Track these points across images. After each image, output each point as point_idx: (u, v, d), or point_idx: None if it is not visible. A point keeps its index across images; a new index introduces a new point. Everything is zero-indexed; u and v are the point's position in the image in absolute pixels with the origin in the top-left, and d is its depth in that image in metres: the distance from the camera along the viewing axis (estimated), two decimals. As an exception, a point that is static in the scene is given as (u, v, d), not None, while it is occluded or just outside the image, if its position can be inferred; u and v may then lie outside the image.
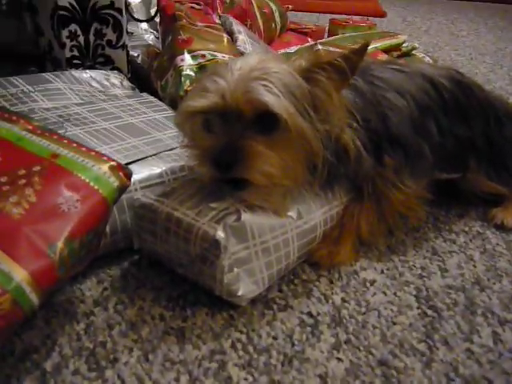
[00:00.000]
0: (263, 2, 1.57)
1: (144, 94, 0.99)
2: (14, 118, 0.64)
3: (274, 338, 0.60)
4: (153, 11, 1.43)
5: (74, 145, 0.61)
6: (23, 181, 0.55)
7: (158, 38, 1.40)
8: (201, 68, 1.05)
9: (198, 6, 1.30)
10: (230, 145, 0.60)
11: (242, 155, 0.59)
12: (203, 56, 1.07)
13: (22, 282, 0.49)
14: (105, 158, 0.60)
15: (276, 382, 0.54)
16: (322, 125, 0.63)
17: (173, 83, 1.05)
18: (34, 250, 0.51)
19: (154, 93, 1.05)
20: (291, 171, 0.63)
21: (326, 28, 1.85)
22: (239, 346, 0.58)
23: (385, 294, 0.68)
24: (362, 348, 0.59)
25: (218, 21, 1.27)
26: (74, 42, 1.05)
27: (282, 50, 1.42)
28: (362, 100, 0.70)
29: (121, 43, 1.09)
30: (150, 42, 1.39)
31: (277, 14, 1.60)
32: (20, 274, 0.49)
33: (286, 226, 0.65)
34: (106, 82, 0.99)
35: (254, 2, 1.52)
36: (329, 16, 2.17)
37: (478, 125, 0.82)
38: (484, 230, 0.84)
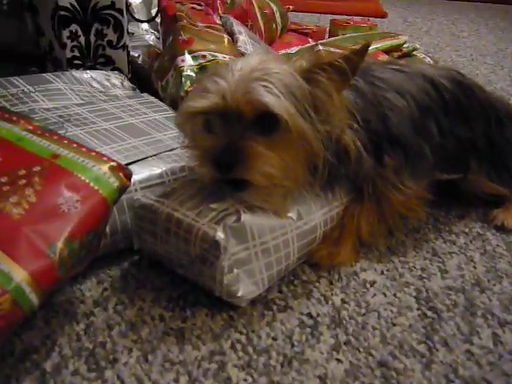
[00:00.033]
0: (264, 3, 1.57)
1: (144, 95, 0.99)
2: (15, 118, 0.64)
3: (274, 339, 0.60)
4: (154, 12, 1.43)
5: (74, 145, 0.61)
6: (23, 181, 0.55)
7: (158, 38, 1.40)
8: (201, 68, 1.05)
9: (198, 7, 1.30)
10: (231, 145, 0.60)
11: (243, 156, 0.59)
12: (204, 56, 1.07)
13: (22, 283, 0.49)
14: (105, 159, 0.60)
15: (275, 382, 0.54)
16: (322, 125, 0.63)
17: (173, 84, 1.05)
18: (34, 250, 0.51)
19: (154, 93, 1.05)
20: (291, 172, 0.63)
21: (327, 29, 1.85)
22: (239, 346, 0.58)
23: (385, 295, 0.68)
24: (361, 349, 0.59)
25: (218, 21, 1.27)
26: (75, 43, 1.05)
27: (283, 51, 1.42)
28: (362, 100, 0.70)
29: (121, 44, 1.09)
30: (151, 43, 1.39)
31: (278, 15, 1.60)
32: (20, 275, 0.49)
33: (286, 226, 0.65)
34: (106, 83, 0.99)
35: (254, 3, 1.52)
36: (329, 17, 2.17)
37: (479, 126, 0.82)
38: (484, 231, 0.84)
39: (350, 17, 2.06)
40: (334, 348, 0.59)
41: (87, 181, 0.57)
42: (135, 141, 0.78)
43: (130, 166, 0.68)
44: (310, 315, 0.64)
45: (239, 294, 0.61)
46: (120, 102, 0.90)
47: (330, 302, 0.66)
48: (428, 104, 0.77)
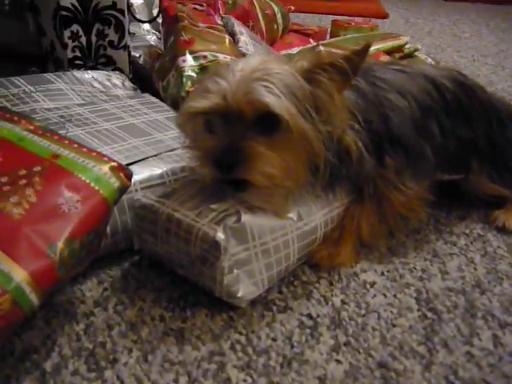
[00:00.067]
0: (265, 3, 1.57)
1: (146, 95, 0.99)
2: (16, 118, 0.64)
3: (274, 340, 0.60)
4: (155, 12, 1.44)
5: (75, 145, 0.61)
6: (24, 181, 0.55)
7: (160, 38, 1.40)
8: (202, 69, 1.05)
9: (200, 7, 1.30)
10: (232, 146, 0.60)
11: (243, 156, 0.59)
12: (205, 57, 1.07)
13: (22, 283, 0.49)
14: (105, 159, 0.60)
15: (275, 383, 0.54)
16: (323, 126, 0.63)
17: (174, 84, 1.05)
18: (34, 250, 0.51)
19: (155, 93, 1.05)
20: (292, 172, 0.63)
21: (328, 29, 1.85)
22: (238, 347, 0.58)
23: (385, 296, 0.68)
24: (361, 350, 0.59)
25: (220, 22, 1.27)
26: (76, 43, 1.05)
27: (284, 51, 1.42)
28: (363, 101, 0.70)
29: (123, 44, 1.10)
30: (152, 43, 1.39)
31: (279, 15, 1.60)
32: (20, 274, 0.49)
33: (286, 227, 0.65)
34: (107, 83, 1.00)
35: (256, 3, 1.52)
36: (331, 17, 2.17)
37: (481, 126, 0.82)
38: (485, 233, 0.84)
39: (352, 17, 2.06)
40: (333, 349, 0.59)
41: (88, 181, 0.57)
42: (136, 141, 0.79)
43: (131, 167, 0.68)
44: (309, 316, 0.64)
45: (239, 295, 0.61)
46: (121, 102, 0.91)
47: (330, 303, 0.66)
48: (429, 104, 0.76)
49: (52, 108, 0.83)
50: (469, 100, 0.81)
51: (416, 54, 1.51)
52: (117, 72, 1.07)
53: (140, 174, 0.72)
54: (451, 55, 2.02)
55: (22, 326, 0.54)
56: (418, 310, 0.66)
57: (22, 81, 0.88)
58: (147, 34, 1.45)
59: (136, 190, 0.70)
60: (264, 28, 1.53)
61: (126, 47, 1.11)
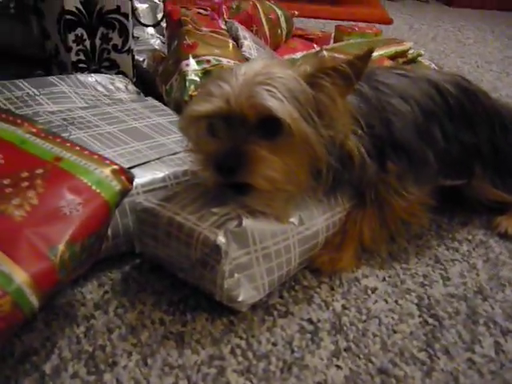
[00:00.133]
0: (269, 8, 1.58)
1: (149, 99, 1.00)
2: (19, 120, 0.64)
3: (274, 345, 0.59)
4: (159, 16, 1.44)
5: (77, 148, 0.61)
6: (26, 183, 0.55)
7: (164, 42, 1.41)
8: (206, 73, 1.05)
9: (204, 12, 1.30)
10: (234, 149, 0.60)
11: (246, 160, 0.59)
12: (208, 61, 1.07)
13: (23, 284, 0.49)
14: (107, 162, 0.60)
15: (275, 388, 0.54)
16: (326, 130, 0.63)
17: (177, 88, 1.06)
18: (35, 252, 0.51)
19: (158, 97, 1.06)
20: (294, 176, 0.63)
21: (332, 34, 1.85)
22: (238, 351, 0.58)
23: (386, 301, 0.68)
24: (361, 356, 0.59)
25: (223, 26, 1.28)
26: (80, 46, 1.05)
27: (288, 56, 1.43)
28: (366, 105, 0.70)
29: (126, 48, 1.10)
30: (156, 47, 1.40)
31: (283, 20, 1.60)
32: (20, 276, 0.49)
33: (287, 231, 0.65)
34: (111, 86, 1.00)
35: (260, 8, 1.52)
36: (335, 22, 2.17)
37: (484, 131, 0.82)
38: (487, 239, 0.83)
39: (355, 23, 2.06)
40: (334, 354, 0.59)
41: (89, 184, 0.57)
42: (138, 144, 0.79)
43: (133, 170, 0.68)
44: (310, 321, 0.63)
45: (240, 299, 0.61)
46: (124, 106, 0.91)
47: (331, 308, 0.66)
48: (432, 109, 0.76)
49: (55, 111, 0.83)
50: (472, 105, 0.81)
51: (419, 59, 1.51)
52: (120, 76, 1.08)
53: (142, 177, 0.72)
54: (455, 61, 2.02)
55: (22, 327, 0.54)
56: (419, 316, 0.65)
57: (26, 84, 0.88)
58: (151, 38, 1.45)
59: (138, 194, 0.70)
60: (268, 33, 1.53)
61: (129, 51, 1.11)
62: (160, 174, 0.74)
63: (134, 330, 0.60)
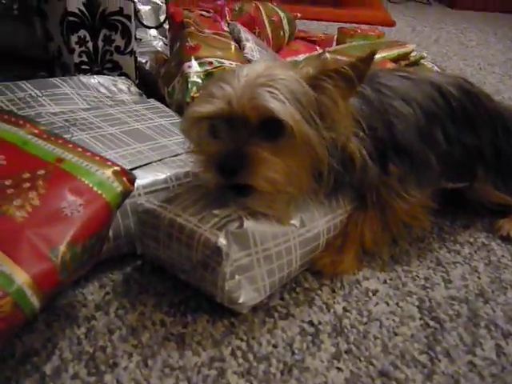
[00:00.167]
0: (272, 10, 1.58)
1: (151, 100, 1.00)
2: (21, 121, 0.64)
3: (274, 347, 0.59)
4: (162, 18, 1.45)
5: (79, 149, 0.61)
6: (27, 184, 0.55)
7: (167, 44, 1.41)
8: (208, 75, 1.06)
9: (207, 14, 1.31)
10: (236, 151, 0.60)
11: (247, 161, 0.59)
12: (210, 63, 1.08)
13: (24, 285, 0.49)
14: (109, 163, 0.60)
15: (275, 390, 0.54)
16: (327, 132, 0.63)
17: (180, 90, 1.06)
18: (36, 253, 0.51)
19: (161, 99, 1.06)
20: (296, 178, 0.63)
21: (335, 37, 1.86)
22: (239, 353, 0.58)
23: (387, 304, 0.68)
24: (362, 358, 0.59)
25: (226, 28, 1.28)
26: (83, 48, 1.06)
27: (290, 58, 1.43)
28: (368, 108, 0.70)
29: (129, 49, 1.10)
30: (159, 49, 1.40)
31: (285, 22, 1.60)
32: (21, 277, 0.49)
33: (288, 233, 0.65)
34: (113, 88, 1.00)
35: (262, 10, 1.53)
36: (337, 25, 2.17)
37: (486, 134, 0.82)
38: (489, 242, 0.83)
39: (358, 25, 2.06)
40: (334, 356, 0.59)
41: (91, 185, 0.57)
42: (140, 146, 0.79)
43: (135, 171, 0.68)
44: (311, 323, 0.63)
45: (240, 301, 0.61)
46: (126, 107, 0.91)
47: (332, 310, 0.66)
48: (435, 111, 0.76)
49: (57, 112, 0.83)
50: (474, 107, 0.81)
51: (422, 61, 1.51)
52: (123, 77, 1.08)
53: (144, 178, 0.72)
54: (457, 63, 2.02)
55: (22, 328, 0.54)
56: (421, 319, 0.65)
57: (29, 85, 0.89)
58: (154, 40, 1.46)
59: (139, 195, 0.70)
60: (270, 35, 1.53)
61: (132, 53, 1.11)
62: (162, 176, 0.74)
63: (135, 332, 0.60)
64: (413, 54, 1.51)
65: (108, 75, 1.07)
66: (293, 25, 1.66)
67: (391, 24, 2.74)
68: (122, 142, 0.79)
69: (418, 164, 0.74)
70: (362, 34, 1.75)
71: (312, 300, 0.67)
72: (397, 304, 0.68)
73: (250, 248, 0.61)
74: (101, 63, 1.09)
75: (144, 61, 1.28)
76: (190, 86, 1.04)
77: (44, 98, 0.86)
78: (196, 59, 1.08)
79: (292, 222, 0.66)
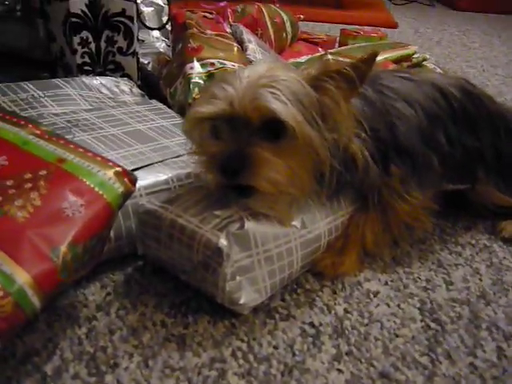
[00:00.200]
0: (275, 12, 1.58)
1: (153, 101, 1.00)
2: (23, 122, 0.65)
3: (275, 348, 0.59)
4: (165, 19, 1.45)
5: (81, 150, 0.61)
6: (29, 184, 0.55)
7: (169, 45, 1.41)
8: (210, 76, 1.06)
9: (209, 15, 1.31)
10: (237, 152, 0.60)
11: (249, 162, 0.59)
12: (212, 64, 1.08)
13: (25, 285, 0.49)
14: (110, 164, 0.60)
15: (275, 391, 0.54)
16: (329, 133, 0.63)
17: (182, 91, 1.06)
18: (38, 253, 0.51)
19: (163, 100, 1.06)
20: (298, 179, 0.63)
21: (337, 38, 1.85)
22: (239, 354, 0.58)
23: (388, 305, 0.67)
24: (363, 360, 0.58)
25: (228, 30, 1.28)
26: (86, 49, 1.06)
27: (293, 60, 1.43)
28: (370, 109, 0.70)
29: (131, 50, 1.11)
30: (162, 50, 1.40)
31: (288, 24, 1.60)
32: (22, 277, 0.49)
33: (289, 234, 0.65)
34: (115, 89, 1.00)
35: (265, 12, 1.53)
36: (340, 26, 2.17)
37: (487, 136, 0.82)
38: (491, 243, 0.83)
39: (361, 27, 2.06)
40: (335, 358, 0.58)
41: (92, 185, 0.57)
42: (142, 147, 0.79)
43: (136, 172, 0.68)
44: (312, 324, 0.63)
45: (241, 302, 0.61)
46: (128, 108, 0.91)
47: (333, 312, 0.66)
48: (436, 113, 0.76)
49: (59, 113, 0.83)
50: (476, 109, 0.81)
51: (424, 63, 1.51)
52: (125, 78, 1.08)
53: (145, 179, 0.72)
54: (460, 65, 2.02)
55: (24, 328, 0.54)
56: (422, 321, 0.65)
57: (31, 86, 0.89)
58: (156, 41, 1.46)
59: (141, 196, 0.70)
60: (273, 36, 1.53)
61: (134, 54, 1.12)
62: (163, 177, 0.74)
63: (136, 332, 0.60)
64: (415, 56, 1.50)
65: (110, 76, 1.07)
66: (295, 26, 1.66)
67: (394, 26, 2.74)
68: (123, 142, 0.79)
69: (419, 165, 0.74)
70: (364, 36, 1.74)
71: (313, 301, 0.67)
72: (398, 306, 0.67)
73: (251, 249, 0.61)
74: (103, 64, 1.10)
75: (146, 62, 1.28)
76: (191, 87, 1.04)
77: (46, 98, 0.86)
78: (198, 60, 1.09)
79: (293, 223, 0.66)
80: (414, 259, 0.77)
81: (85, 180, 0.57)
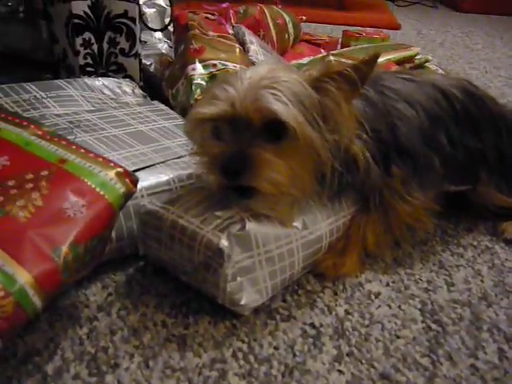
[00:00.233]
0: (277, 13, 1.58)
1: (155, 102, 1.00)
2: (25, 123, 0.65)
3: (276, 349, 0.59)
4: (167, 21, 1.45)
5: (82, 150, 0.61)
6: (30, 185, 0.56)
7: (171, 47, 1.42)
8: (212, 77, 1.06)
9: (212, 17, 1.31)
10: (239, 152, 0.60)
11: (250, 163, 0.59)
12: (214, 65, 1.08)
13: (26, 285, 0.49)
14: (112, 164, 0.60)
15: (276, 392, 0.54)
16: (330, 135, 0.63)
17: (184, 92, 1.06)
18: (39, 253, 0.51)
19: (165, 101, 1.06)
20: (299, 180, 0.63)
21: (340, 40, 1.86)
22: (240, 355, 0.58)
23: (389, 306, 0.67)
24: (364, 361, 0.58)
25: (231, 31, 1.28)
26: (88, 50, 1.06)
27: (295, 61, 1.43)
28: (372, 110, 0.70)
29: (133, 52, 1.11)
30: (164, 51, 1.41)
31: (290, 25, 1.60)
32: (24, 277, 0.49)
33: (290, 235, 0.65)
34: (117, 90, 1.00)
35: (267, 13, 1.53)
36: (342, 28, 2.17)
37: (490, 137, 0.82)
38: (493, 245, 0.83)
39: (363, 28, 2.06)
40: (336, 359, 0.58)
41: (93, 186, 0.57)
42: (144, 147, 0.79)
43: (138, 173, 0.68)
44: (313, 325, 0.63)
45: (242, 302, 0.61)
46: (130, 109, 0.91)
47: (334, 313, 0.66)
48: (438, 113, 0.76)
49: (62, 114, 0.84)
50: (478, 110, 0.81)
51: (427, 64, 1.51)
52: (127, 79, 1.08)
53: (147, 180, 0.72)
54: (463, 67, 2.02)
55: (25, 328, 0.55)
56: (423, 322, 0.65)
57: (34, 87, 0.89)
58: (159, 43, 1.46)
59: (142, 196, 0.71)
60: (275, 37, 1.53)
61: (136, 55, 1.12)
62: (165, 177, 0.74)
63: (137, 332, 0.60)
64: (418, 57, 1.50)
65: (112, 77, 1.07)
66: (298, 28, 1.66)
67: (397, 27, 2.74)
68: (125, 143, 0.79)
69: (421, 166, 0.74)
70: (366, 37, 1.74)
71: (314, 302, 0.67)
72: (399, 307, 0.67)
73: (252, 250, 0.61)
74: (105, 65, 1.10)
75: (149, 63, 1.29)
76: (193, 88, 1.04)
77: (48, 99, 0.87)
78: (200, 62, 1.09)
79: (294, 224, 0.66)
80: (416, 260, 0.77)
81: (86, 180, 0.57)
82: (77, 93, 0.92)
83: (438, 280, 0.73)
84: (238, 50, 1.18)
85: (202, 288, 0.64)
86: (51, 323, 0.61)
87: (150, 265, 0.71)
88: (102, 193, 0.57)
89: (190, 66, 1.08)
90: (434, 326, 0.64)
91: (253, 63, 1.17)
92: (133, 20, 1.07)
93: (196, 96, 1.03)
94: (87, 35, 1.05)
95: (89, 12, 1.02)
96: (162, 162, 0.77)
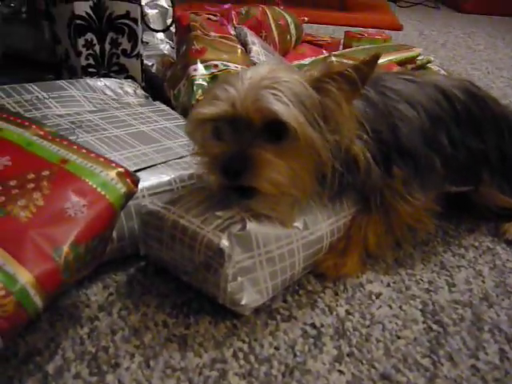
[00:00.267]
0: (279, 14, 1.58)
1: (157, 103, 1.00)
2: (27, 123, 0.65)
3: (276, 349, 0.59)
4: (169, 22, 1.45)
5: (84, 151, 0.62)
6: (32, 185, 0.56)
7: (173, 47, 1.42)
8: (213, 78, 1.06)
9: (214, 17, 1.31)
10: (239, 153, 0.60)
11: (251, 163, 0.59)
12: (216, 66, 1.08)
13: (27, 285, 0.49)
14: (113, 165, 0.60)
15: (276, 392, 0.54)
16: (331, 135, 0.63)
17: (185, 92, 1.07)
18: (40, 253, 0.51)
19: (167, 102, 1.06)
20: (299, 180, 0.63)
21: (341, 40, 1.86)
22: (241, 355, 0.58)
23: (390, 307, 0.67)
24: (364, 361, 0.58)
25: (232, 32, 1.29)
26: (90, 51, 1.06)
27: (297, 62, 1.43)
28: (372, 111, 0.70)
29: (135, 52, 1.11)
30: (166, 52, 1.41)
31: (292, 26, 1.60)
32: (25, 277, 0.49)
33: (291, 236, 0.65)
34: (119, 91, 1.01)
35: (269, 14, 1.53)
36: (344, 29, 2.17)
37: (492, 138, 0.82)
38: (494, 246, 0.83)
39: (365, 29, 2.06)
40: (336, 359, 0.58)
41: (94, 186, 0.57)
42: (145, 148, 0.79)
43: (139, 173, 0.68)
44: (313, 325, 0.63)
45: (243, 303, 0.61)
46: (132, 110, 0.92)
47: (335, 313, 0.66)
48: (439, 114, 0.76)
49: (63, 114, 0.84)
50: (480, 111, 0.81)
51: (429, 65, 1.51)
52: (129, 80, 1.08)
53: (148, 180, 0.72)
54: (465, 67, 2.01)
55: (26, 328, 0.54)
56: (424, 323, 0.65)
57: (36, 87, 0.89)
58: (161, 43, 1.46)
59: (143, 197, 0.71)
60: (277, 38, 1.53)
61: (138, 56, 1.12)
62: (166, 178, 0.74)
63: (137, 332, 0.60)
64: (419, 58, 1.50)
65: (114, 78, 1.07)
66: (300, 29, 1.66)
67: (399, 28, 2.74)
68: (126, 144, 0.79)
69: (422, 167, 0.74)
70: (368, 38, 1.74)
71: (315, 302, 0.67)
72: (400, 307, 0.67)
73: (253, 250, 0.61)
74: (107, 66, 1.10)
75: (150, 64, 1.29)
76: (195, 88, 1.04)
77: (50, 100, 0.87)
78: (202, 62, 1.09)
79: (295, 224, 0.66)
80: (417, 261, 0.77)
81: (87, 180, 0.58)
82: (79, 93, 0.92)
83: (439, 280, 0.73)
84: (239, 50, 1.18)
85: (203, 288, 0.64)
86: (52, 323, 0.61)
87: (151, 265, 0.72)
88: (103, 193, 0.57)
89: (192, 67, 1.08)
90: (434, 327, 0.64)
91: (254, 64, 1.17)
92: (135, 21, 1.08)
93: (197, 96, 1.03)
94: (89, 36, 1.05)
95: (91, 13, 1.03)
96: (163, 163, 0.77)
